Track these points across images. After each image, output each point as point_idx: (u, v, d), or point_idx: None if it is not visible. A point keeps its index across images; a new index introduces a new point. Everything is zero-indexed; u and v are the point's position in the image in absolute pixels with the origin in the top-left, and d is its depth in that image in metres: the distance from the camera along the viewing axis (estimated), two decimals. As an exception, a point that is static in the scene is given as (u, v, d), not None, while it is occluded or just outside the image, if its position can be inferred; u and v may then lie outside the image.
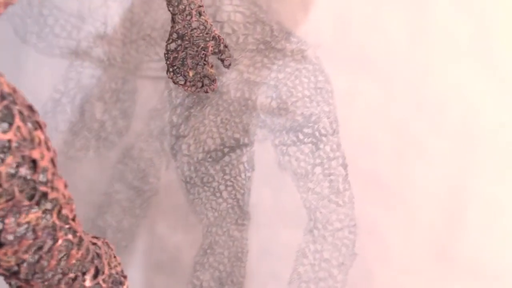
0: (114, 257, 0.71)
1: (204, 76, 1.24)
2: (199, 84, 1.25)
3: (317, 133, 1.34)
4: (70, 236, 0.60)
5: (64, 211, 0.58)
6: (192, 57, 1.21)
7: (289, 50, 1.39)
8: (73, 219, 0.61)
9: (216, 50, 1.20)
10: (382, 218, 1.29)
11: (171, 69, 1.22)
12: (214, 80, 1.24)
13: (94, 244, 0.68)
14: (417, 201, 1.29)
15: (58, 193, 0.57)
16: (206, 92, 1.26)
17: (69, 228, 0.59)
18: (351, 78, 1.34)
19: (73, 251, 0.61)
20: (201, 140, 1.37)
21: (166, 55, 1.21)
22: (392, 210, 1.29)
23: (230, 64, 1.23)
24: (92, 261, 0.64)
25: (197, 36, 1.18)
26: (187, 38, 1.18)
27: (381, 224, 1.29)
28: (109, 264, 0.68)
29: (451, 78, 1.32)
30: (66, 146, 1.37)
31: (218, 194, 1.35)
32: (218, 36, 1.20)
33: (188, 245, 1.33)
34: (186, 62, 1.21)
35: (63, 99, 1.39)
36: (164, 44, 1.40)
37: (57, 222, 0.57)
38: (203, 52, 1.20)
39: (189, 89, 1.24)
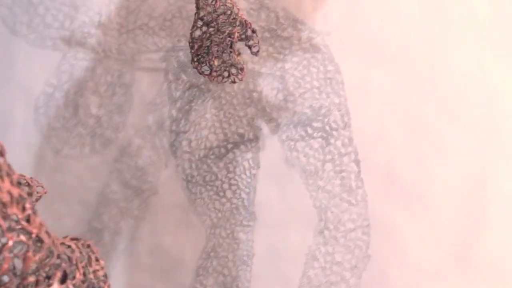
0: (97, 260, 0.68)
1: (231, 65, 1.19)
2: (226, 74, 1.20)
3: (327, 127, 1.31)
4: (22, 237, 0.57)
5: (12, 211, 0.55)
6: (217, 45, 1.16)
7: (296, 38, 1.36)
8: (28, 220, 0.58)
9: (243, 36, 1.14)
10: (397, 218, 1.25)
11: (195, 59, 1.17)
12: (241, 69, 1.19)
13: (68, 246, 0.65)
14: (435, 199, 1.25)
15: (1, 193, 0.54)
16: (234, 82, 1.22)
17: (21, 229, 0.56)
18: (363, 68, 1.30)
19: (29, 254, 0.58)
20: (202, 135, 1.34)
21: (190, 44, 1.16)
22: (408, 208, 1.25)
23: (258, 51, 1.17)
24: (59, 264, 0.62)
25: (223, 22, 1.12)
26: (213, 24, 1.11)
27: (397, 224, 1.25)
28: (86, 268, 0.66)
29: (472, 65, 1.28)
30: (60, 143, 1.34)
31: (221, 194, 1.32)
32: (245, 21, 1.14)
33: (190, 248, 1.30)
34: (211, 51, 1.15)
35: (56, 93, 1.36)
36: (162, 33, 1.36)
37: (2, 222, 0.53)
38: (229, 39, 1.15)
39: (215, 79, 1.20)
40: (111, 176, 1.33)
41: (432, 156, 1.25)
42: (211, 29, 1.14)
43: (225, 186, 1.32)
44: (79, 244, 0.67)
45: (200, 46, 1.17)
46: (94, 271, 0.67)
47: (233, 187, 1.32)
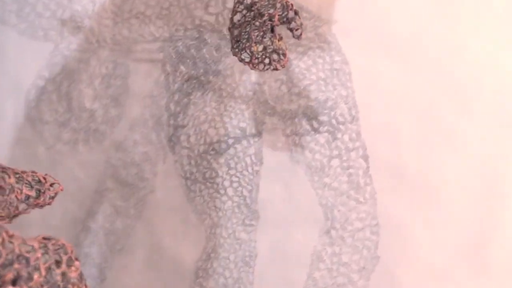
0: (70, 261, 0.66)
1: (273, 50, 1.14)
2: (267, 61, 1.15)
3: (333, 121, 1.27)
4: None
5: None
6: (257, 29, 1.11)
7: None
8: None
9: (285, 19, 1.10)
10: (408, 216, 1.23)
11: (235, 45, 1.12)
12: (284, 55, 1.14)
13: (30, 246, 0.63)
14: (447, 196, 1.22)
15: None
16: (276, 69, 1.15)
17: None
18: (372, 58, 1.26)
19: None
20: (202, 130, 1.31)
21: (230, 29, 1.11)
22: (420, 207, 1.22)
23: (301, 34, 1.12)
24: (10, 265, 0.59)
25: (263, 5, 1.08)
26: (254, 8, 1.08)
27: (407, 223, 1.23)
28: (50, 269, 0.63)
29: (485, 54, 1.23)
30: (52, 139, 1.33)
31: (222, 191, 1.30)
32: (286, 2, 1.09)
33: (189, 248, 1.29)
34: (251, 36, 1.11)
35: (48, 86, 1.35)
36: (159, 22, 1.35)
37: None
38: (269, 22, 1.10)
39: (256, 67, 1.14)
40: (106, 173, 1.32)
41: (444, 151, 1.22)
42: (251, 12, 1.10)
43: (226, 183, 1.30)
44: (50, 244, 0.64)
45: (240, 32, 1.12)
46: (64, 273, 0.64)
47: (235, 185, 1.30)
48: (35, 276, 0.61)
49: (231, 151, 1.31)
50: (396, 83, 1.25)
